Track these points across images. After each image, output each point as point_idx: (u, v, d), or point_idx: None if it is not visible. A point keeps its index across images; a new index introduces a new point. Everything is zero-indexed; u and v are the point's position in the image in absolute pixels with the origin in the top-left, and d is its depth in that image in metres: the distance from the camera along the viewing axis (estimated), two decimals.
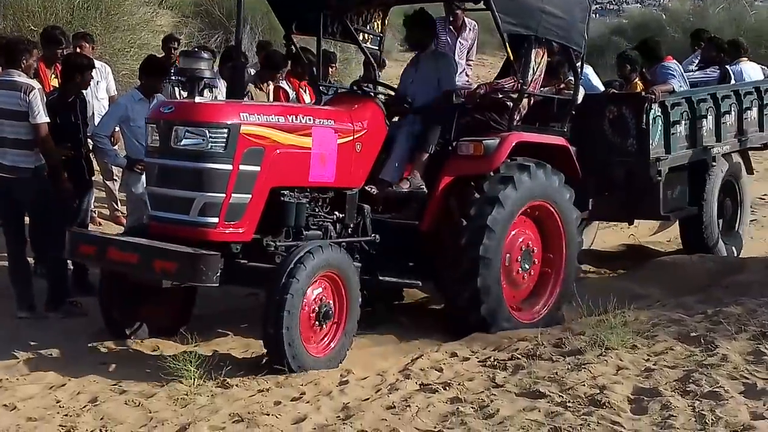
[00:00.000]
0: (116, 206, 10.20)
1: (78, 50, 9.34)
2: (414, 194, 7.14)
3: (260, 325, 6.10)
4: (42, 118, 7.19)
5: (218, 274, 5.90)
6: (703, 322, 6.97)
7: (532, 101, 7.71)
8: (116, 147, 8.63)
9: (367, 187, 7.06)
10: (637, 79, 9.48)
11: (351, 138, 6.87)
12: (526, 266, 7.44)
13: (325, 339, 6.32)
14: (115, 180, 10.00)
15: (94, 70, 8.25)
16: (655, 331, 6.72)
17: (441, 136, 7.28)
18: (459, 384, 5.78)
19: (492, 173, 7.10)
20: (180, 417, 5.33)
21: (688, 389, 5.46)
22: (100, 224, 10.00)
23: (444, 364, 6.32)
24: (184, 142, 6.12)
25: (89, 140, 8.18)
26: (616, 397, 5.37)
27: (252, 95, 9.08)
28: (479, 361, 6.37)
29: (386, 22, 8.71)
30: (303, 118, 6.63)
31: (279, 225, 6.46)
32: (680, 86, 9.29)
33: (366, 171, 7.07)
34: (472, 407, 5.35)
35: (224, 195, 6.12)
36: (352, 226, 6.98)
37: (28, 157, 7.30)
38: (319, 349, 6.26)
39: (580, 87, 8.13)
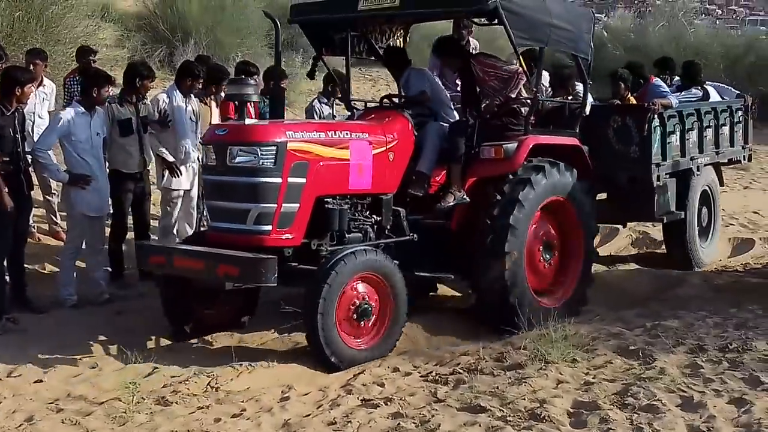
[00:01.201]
0: (56, 220, 10.06)
1: (31, 67, 9.27)
2: (459, 205, 7.74)
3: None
4: None
5: (276, 275, 6.52)
6: (641, 335, 7.07)
7: (542, 107, 8.48)
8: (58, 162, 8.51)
9: (410, 190, 7.70)
10: (629, 96, 10.05)
11: (384, 148, 7.57)
12: (547, 256, 8.15)
13: (369, 334, 6.93)
14: (54, 194, 9.87)
15: (34, 83, 8.12)
16: (594, 344, 6.80)
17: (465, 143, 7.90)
18: (400, 399, 5.79)
19: (511, 175, 7.73)
20: None
21: (626, 402, 5.53)
22: (39, 240, 9.85)
23: (386, 379, 6.33)
24: (238, 159, 6.83)
25: (28, 155, 8.05)
26: (556, 411, 5.42)
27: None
28: (421, 376, 6.38)
29: (407, 38, 9.36)
30: (341, 133, 7.35)
31: (324, 229, 7.14)
32: (677, 102, 9.93)
33: (399, 177, 7.73)
34: (413, 422, 5.37)
35: (276, 205, 6.84)
36: (388, 227, 7.60)
37: None
38: (361, 343, 6.87)
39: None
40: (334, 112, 10.29)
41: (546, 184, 7.86)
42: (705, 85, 11.01)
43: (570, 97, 8.99)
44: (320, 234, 7.09)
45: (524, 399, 5.63)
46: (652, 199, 9.60)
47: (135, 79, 8.73)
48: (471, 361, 6.59)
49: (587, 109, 8.79)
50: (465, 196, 7.71)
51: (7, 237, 7.57)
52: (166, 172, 8.98)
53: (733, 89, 11.85)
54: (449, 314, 8.26)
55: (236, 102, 7.18)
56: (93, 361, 6.75)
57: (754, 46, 24.20)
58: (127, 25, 19.54)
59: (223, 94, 9.40)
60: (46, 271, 9.09)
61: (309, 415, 5.62)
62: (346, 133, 7.35)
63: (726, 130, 10.86)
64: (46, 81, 9.95)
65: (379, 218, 7.53)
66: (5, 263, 7.64)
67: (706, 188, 10.74)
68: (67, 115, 8.09)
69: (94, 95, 8.15)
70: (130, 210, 8.94)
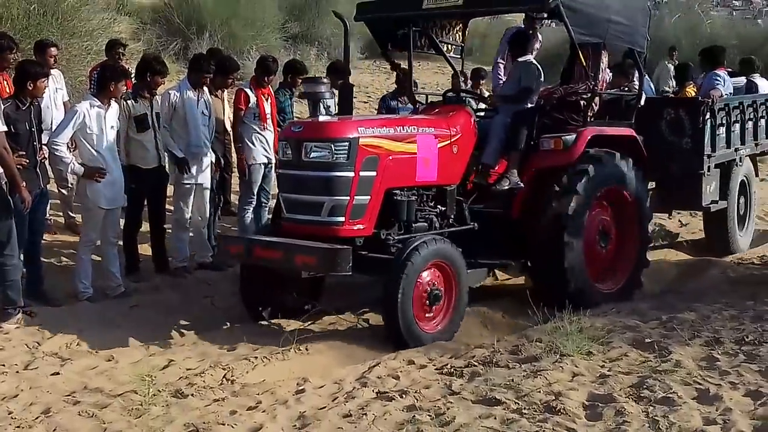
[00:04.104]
0: (71, 214, 10.10)
1: (50, 59, 9.34)
2: (513, 190, 8.12)
3: (381, 306, 7.15)
4: None
5: (350, 264, 6.87)
6: (657, 328, 7.05)
7: (601, 99, 8.79)
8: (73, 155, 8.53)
9: (475, 180, 8.18)
10: (689, 87, 11.02)
11: (449, 142, 7.91)
12: (604, 243, 8.54)
13: (437, 318, 7.27)
14: (70, 187, 9.90)
15: (48, 77, 8.13)
16: (610, 337, 6.77)
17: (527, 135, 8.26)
18: (415, 392, 5.77)
19: (570, 166, 8.09)
20: (134, 428, 5.27)
21: (642, 395, 5.50)
22: (55, 233, 9.88)
23: (401, 371, 6.32)
24: (313, 155, 7.22)
25: (45, 147, 8.08)
26: (572, 404, 5.39)
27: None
28: (436, 369, 6.37)
29: (466, 33, 9.74)
30: (409, 128, 7.71)
31: (393, 220, 7.52)
32: (726, 93, 10.46)
33: (462, 169, 8.12)
34: (428, 415, 5.34)
35: (348, 197, 7.20)
36: (452, 216, 7.98)
37: None
38: (431, 326, 7.21)
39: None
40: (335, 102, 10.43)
41: (602, 174, 8.23)
42: (752, 78, 11.62)
43: (626, 89, 9.31)
44: (388, 224, 7.47)
45: (539, 392, 5.60)
46: (700, 189, 9.92)
47: (146, 74, 8.75)
48: (486, 353, 6.58)
49: (642, 101, 9.04)
50: (519, 182, 8.07)
51: (23, 230, 7.61)
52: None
53: None
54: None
55: (310, 99, 7.70)
56: (109, 354, 6.77)
57: None
58: (143, 18, 19.59)
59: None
60: (62, 264, 9.13)
61: (324, 407, 5.61)
62: (413, 128, 7.70)
63: (764, 122, 11.27)
64: (53, 70, 9.86)
65: (443, 208, 7.92)
66: (22, 256, 7.68)
67: (744, 178, 11.10)
68: (82, 108, 8.10)
69: (111, 89, 8.16)
70: (144, 203, 8.98)
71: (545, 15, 8.92)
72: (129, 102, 8.63)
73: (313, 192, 7.25)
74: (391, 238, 7.39)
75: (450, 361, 6.52)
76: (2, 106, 7.30)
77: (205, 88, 9.21)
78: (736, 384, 5.68)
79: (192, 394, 5.81)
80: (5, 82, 8.53)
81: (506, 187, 8.05)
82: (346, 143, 7.16)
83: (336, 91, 8.51)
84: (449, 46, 9.59)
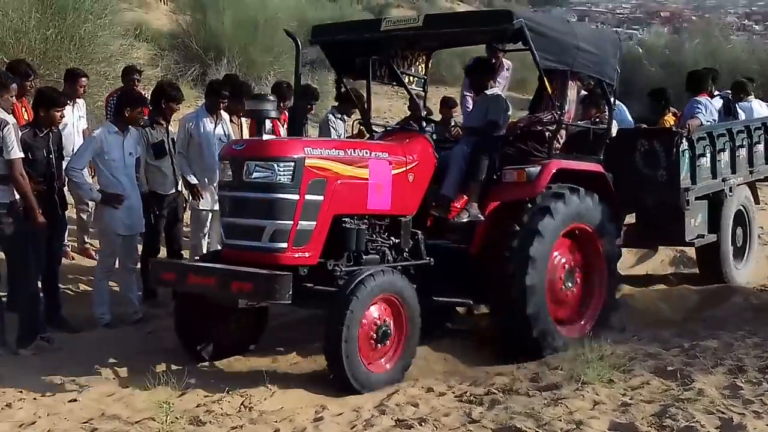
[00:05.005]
0: (86, 239, 10.11)
1: (79, 85, 9.53)
2: (473, 223, 7.58)
3: (323, 344, 6.55)
4: (15, 153, 7.10)
5: (290, 292, 6.33)
6: (679, 356, 6.97)
7: (568, 131, 8.24)
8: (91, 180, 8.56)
9: (433, 212, 7.68)
10: (668, 115, 10.32)
11: (404, 169, 7.42)
12: (569, 284, 7.92)
13: (385, 357, 6.77)
14: (89, 212, 9.92)
15: (63, 108, 8.11)
16: (631, 365, 6.69)
17: (488, 166, 7.75)
18: (435, 420, 5.72)
19: (533, 200, 7.58)
20: None
21: (664, 424, 5.42)
22: (73, 258, 9.90)
23: (420, 399, 6.26)
24: (254, 175, 6.67)
25: (63, 174, 8.10)
26: None
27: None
28: (455, 396, 6.32)
29: (429, 65, 9.22)
30: (360, 151, 7.17)
31: (341, 250, 6.94)
32: (707, 121, 9.84)
33: (418, 199, 7.58)
34: None
35: (292, 222, 6.66)
36: (407, 250, 7.44)
37: (3, 192, 7.21)
38: (379, 367, 6.70)
39: (614, 121, 8.63)
40: (345, 128, 10.36)
41: (567, 211, 7.69)
42: (747, 100, 11.16)
43: (597, 120, 8.76)
44: (336, 254, 6.91)
45: (560, 420, 5.54)
46: (682, 223, 9.33)
47: (161, 100, 8.78)
48: (506, 381, 6.53)
49: (613, 133, 8.54)
50: (479, 215, 7.57)
51: (41, 256, 7.61)
52: None
53: None
54: (482, 335, 8.18)
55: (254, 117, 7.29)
56: (127, 381, 6.75)
57: None
58: (161, 44, 19.74)
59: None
60: (80, 291, 9.13)
61: None
62: (366, 152, 7.19)
63: (760, 147, 10.75)
64: (78, 100, 9.92)
65: (397, 240, 7.37)
66: (40, 283, 7.67)
67: (741, 208, 10.56)
68: (100, 135, 8.13)
69: (126, 115, 8.18)
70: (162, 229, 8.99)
71: (506, 43, 8.52)
72: (147, 129, 8.66)
73: (253, 215, 6.71)
74: (338, 270, 6.82)
75: (469, 389, 6.47)
76: (20, 133, 7.32)
77: (225, 115, 9.23)
78: (760, 413, 5.59)
79: (210, 422, 5.78)
80: (24, 109, 8.56)
81: (465, 220, 7.56)
82: (291, 163, 6.64)
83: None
84: (411, 78, 9.03)
